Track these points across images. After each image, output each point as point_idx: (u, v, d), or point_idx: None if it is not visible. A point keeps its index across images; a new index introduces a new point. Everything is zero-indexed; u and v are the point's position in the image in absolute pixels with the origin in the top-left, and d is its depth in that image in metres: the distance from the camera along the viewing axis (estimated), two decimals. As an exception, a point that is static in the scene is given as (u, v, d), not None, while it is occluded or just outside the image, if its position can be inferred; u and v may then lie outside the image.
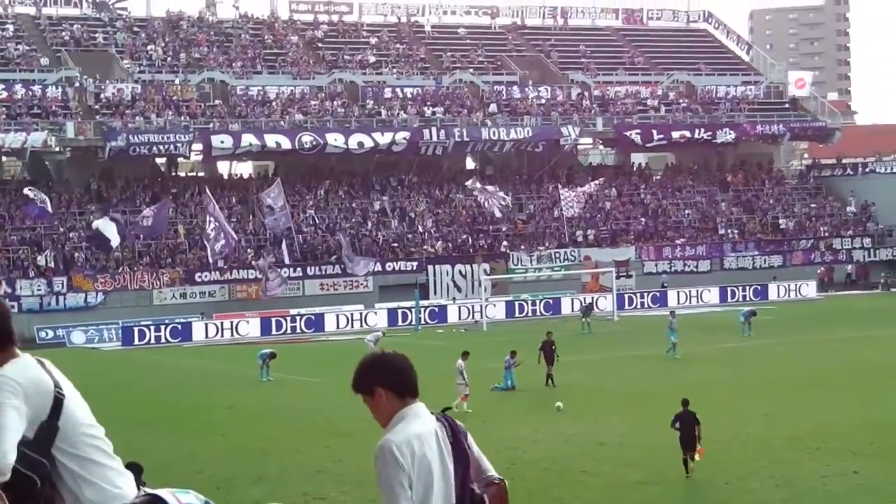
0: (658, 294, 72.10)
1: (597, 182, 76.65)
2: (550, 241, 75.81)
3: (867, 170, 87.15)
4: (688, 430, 24.99)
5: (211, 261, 66.32)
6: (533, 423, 33.48)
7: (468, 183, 74.67)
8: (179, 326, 61.93)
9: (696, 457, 24.93)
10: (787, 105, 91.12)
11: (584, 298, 67.24)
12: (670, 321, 46.79)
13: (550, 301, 69.29)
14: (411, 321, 64.66)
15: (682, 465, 25.07)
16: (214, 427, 34.64)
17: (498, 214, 73.75)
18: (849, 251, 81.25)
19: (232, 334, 62.33)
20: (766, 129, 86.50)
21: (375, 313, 64.98)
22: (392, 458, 5.96)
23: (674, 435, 25.56)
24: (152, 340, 60.48)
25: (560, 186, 76.57)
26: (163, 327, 61.52)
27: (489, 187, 73.91)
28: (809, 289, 74.45)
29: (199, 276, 66.75)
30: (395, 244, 72.69)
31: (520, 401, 37.02)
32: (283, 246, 68.23)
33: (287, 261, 68.03)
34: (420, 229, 74.68)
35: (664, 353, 45.35)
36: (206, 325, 62.60)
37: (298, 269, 68.54)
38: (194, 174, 79.85)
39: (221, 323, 62.91)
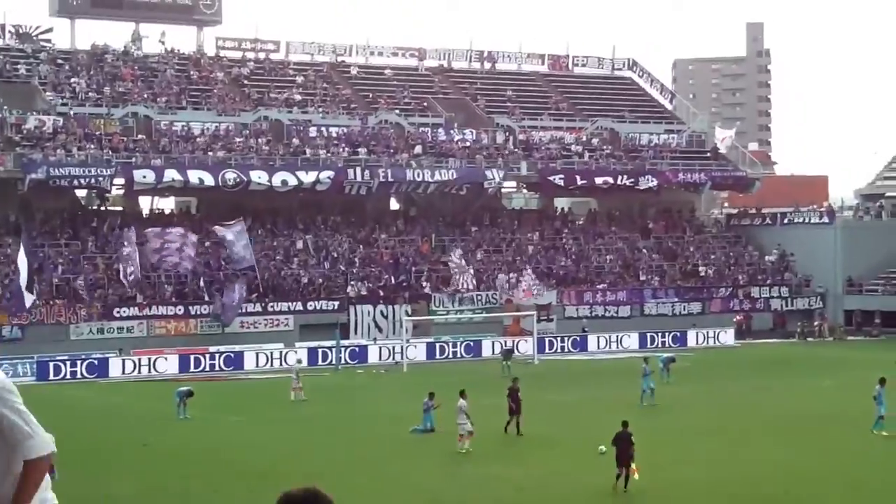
0: (578, 339, 72.48)
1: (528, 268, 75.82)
2: (473, 283, 75.85)
3: (786, 220, 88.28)
4: (623, 447, 28.23)
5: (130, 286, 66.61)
6: (451, 465, 33.53)
7: (454, 255, 74.27)
8: (96, 362, 61.15)
9: (635, 475, 28.16)
10: (708, 154, 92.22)
11: (505, 342, 67.41)
12: (643, 367, 46.71)
13: (472, 343, 69.35)
14: (332, 361, 64.45)
15: (615, 478, 28.18)
16: (130, 466, 34.29)
17: (467, 287, 73.66)
18: (767, 300, 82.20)
19: (150, 371, 61.64)
20: (688, 177, 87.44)
21: (296, 352, 64.64)
22: None
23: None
24: (68, 376, 59.71)
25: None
26: (79, 362, 60.71)
27: (465, 265, 73.74)
28: (727, 336, 75.23)
29: (118, 312, 66.08)
30: (320, 281, 72.39)
31: (438, 443, 37.00)
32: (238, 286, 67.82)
33: (237, 300, 67.57)
34: (342, 269, 74.54)
35: (639, 403, 45.15)
36: (124, 361, 61.86)
37: (217, 303, 67.98)
38: (116, 208, 78.93)
39: (139, 359, 62.20)
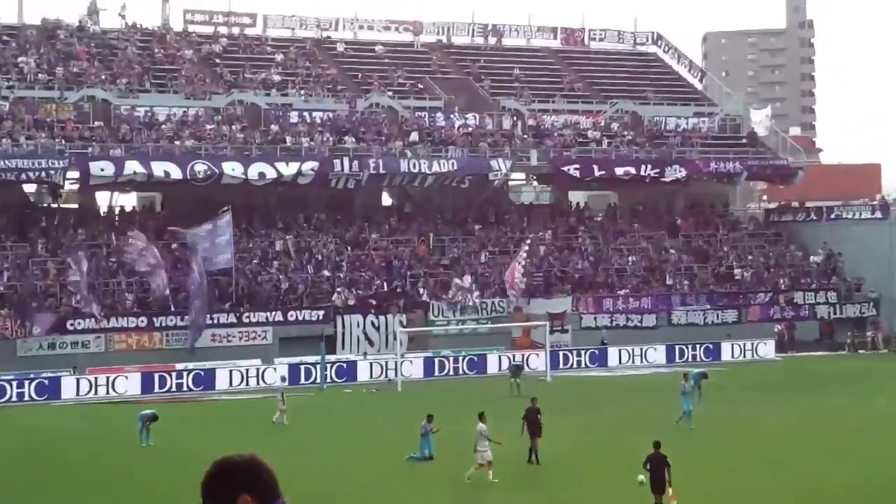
0: (597, 352, 72.31)
1: (525, 245, 76.18)
2: (477, 289, 75.70)
3: (833, 215, 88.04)
4: (658, 471, 28.97)
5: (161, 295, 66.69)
6: (455, 498, 33.32)
7: (463, 279, 74.16)
8: (46, 382, 60.94)
9: (673, 502, 28.96)
10: (744, 140, 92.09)
11: (514, 356, 67.24)
12: (682, 385, 46.32)
13: (475, 358, 69.19)
14: (316, 379, 64.26)
15: None
16: (81, 502, 34.08)
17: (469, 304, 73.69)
18: (812, 307, 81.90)
19: (108, 392, 61.49)
20: (721, 166, 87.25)
21: (275, 369, 64.43)
22: None
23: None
24: (14, 398, 59.45)
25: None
26: (27, 383, 60.42)
27: (471, 287, 73.75)
28: (767, 348, 75.04)
29: (72, 324, 65.84)
30: (302, 288, 72.24)
31: (438, 473, 36.83)
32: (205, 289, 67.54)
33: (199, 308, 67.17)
34: (328, 274, 74.41)
35: (674, 422, 44.85)
36: (78, 380, 61.71)
37: (187, 317, 67.86)
38: (70, 206, 78.73)
39: (96, 378, 62.01)
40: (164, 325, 67.48)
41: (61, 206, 77.41)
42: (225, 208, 68.83)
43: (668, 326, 77.68)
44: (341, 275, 74.48)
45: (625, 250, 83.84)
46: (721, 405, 51.27)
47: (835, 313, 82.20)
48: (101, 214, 77.63)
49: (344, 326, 70.97)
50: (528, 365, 66.02)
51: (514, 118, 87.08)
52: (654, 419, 45.94)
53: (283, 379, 54.22)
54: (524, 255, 74.63)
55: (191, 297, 67.34)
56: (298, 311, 70.71)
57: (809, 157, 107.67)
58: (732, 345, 74.50)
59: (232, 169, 73.78)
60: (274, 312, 69.94)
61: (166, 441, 43.59)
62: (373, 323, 71.67)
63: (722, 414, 49.03)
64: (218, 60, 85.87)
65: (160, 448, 42.88)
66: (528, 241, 76.42)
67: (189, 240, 68.76)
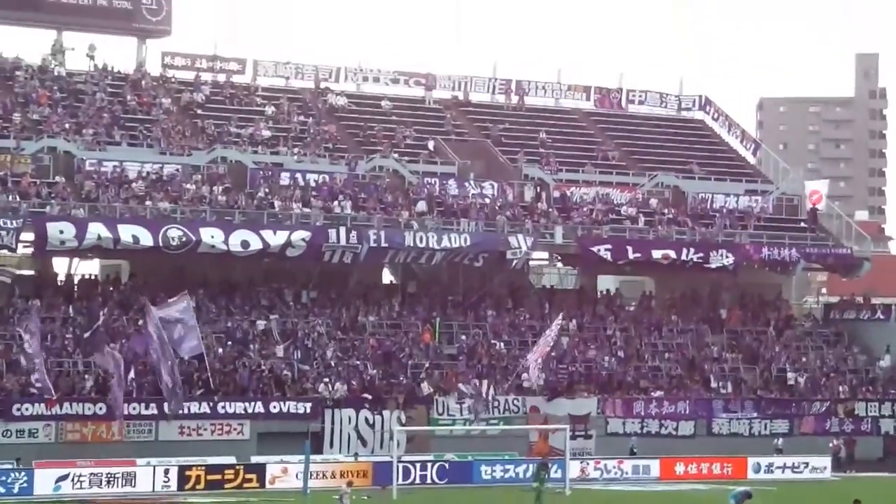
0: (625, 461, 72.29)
1: (558, 324, 76.06)
2: (489, 383, 75.62)
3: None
4: None
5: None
6: None
7: (461, 387, 74.28)
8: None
9: None
10: (802, 224, 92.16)
11: (543, 461, 66.88)
12: None
13: (485, 464, 68.93)
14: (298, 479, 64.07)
15: None
16: None
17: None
18: (875, 420, 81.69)
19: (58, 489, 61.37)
20: (775, 253, 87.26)
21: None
22: None
23: None
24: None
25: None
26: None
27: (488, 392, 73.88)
28: (822, 466, 74.77)
29: (18, 409, 65.81)
30: (286, 375, 72.17)
31: None
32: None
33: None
34: (317, 361, 74.37)
35: None
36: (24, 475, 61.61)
37: (152, 405, 67.82)
38: (24, 272, 78.82)
39: (44, 473, 61.91)
40: (125, 413, 67.27)
41: (14, 272, 77.48)
42: (176, 298, 68.37)
43: (708, 436, 77.65)
44: (332, 363, 74.50)
45: (660, 346, 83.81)
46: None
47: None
48: (58, 283, 77.58)
49: (333, 422, 70.95)
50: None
51: (538, 189, 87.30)
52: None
53: (349, 484, 53.96)
54: (554, 335, 74.09)
55: (155, 364, 66.95)
56: (281, 403, 70.63)
57: (877, 245, 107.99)
58: (783, 460, 74.42)
59: (211, 236, 73.91)
60: (253, 403, 69.87)
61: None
62: (367, 420, 71.66)
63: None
64: (199, 111, 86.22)
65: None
66: (560, 324, 76.12)
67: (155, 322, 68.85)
